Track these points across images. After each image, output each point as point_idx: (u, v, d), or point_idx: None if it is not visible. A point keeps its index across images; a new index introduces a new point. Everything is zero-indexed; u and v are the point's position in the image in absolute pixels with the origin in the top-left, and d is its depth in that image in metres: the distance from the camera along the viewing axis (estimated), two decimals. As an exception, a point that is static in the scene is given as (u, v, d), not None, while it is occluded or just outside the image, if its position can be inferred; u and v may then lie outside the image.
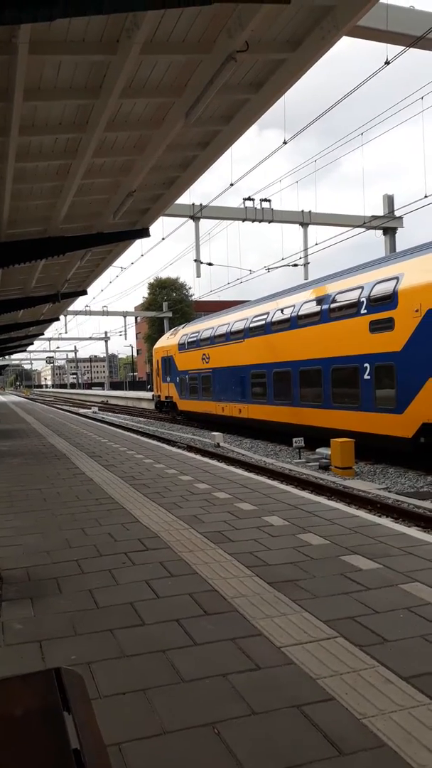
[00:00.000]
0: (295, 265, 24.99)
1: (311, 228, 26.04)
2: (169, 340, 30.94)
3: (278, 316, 18.27)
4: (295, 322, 17.15)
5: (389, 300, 12.98)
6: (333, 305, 15.36)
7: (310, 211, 26.31)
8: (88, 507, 7.12)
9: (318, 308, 16.04)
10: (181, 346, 27.63)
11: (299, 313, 16.96)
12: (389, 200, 26.20)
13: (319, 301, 16.12)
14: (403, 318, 12.49)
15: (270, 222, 25.05)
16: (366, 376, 13.69)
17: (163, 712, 2.68)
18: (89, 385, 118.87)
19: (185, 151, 10.17)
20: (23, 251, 12.82)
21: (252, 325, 20.07)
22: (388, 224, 26.14)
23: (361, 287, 14.20)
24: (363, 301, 13.91)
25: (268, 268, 24.36)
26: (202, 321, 27.58)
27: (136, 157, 9.95)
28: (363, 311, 13.88)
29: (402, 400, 12.49)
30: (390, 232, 26.96)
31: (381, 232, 26.93)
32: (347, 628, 3.49)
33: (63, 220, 12.28)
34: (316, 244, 22.42)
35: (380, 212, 26.01)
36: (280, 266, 24.39)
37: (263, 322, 19.22)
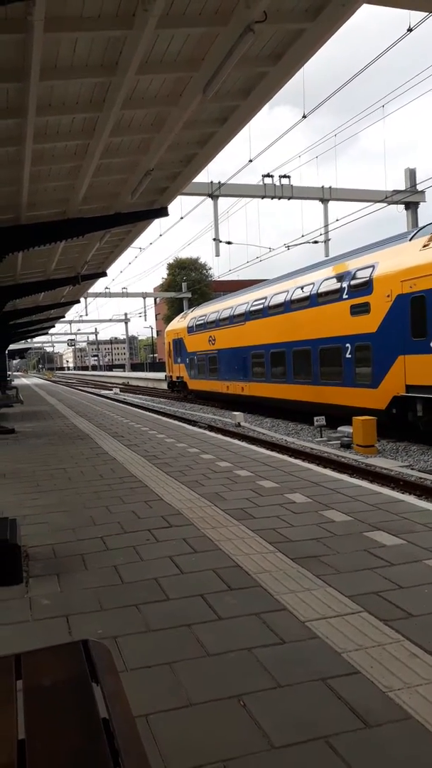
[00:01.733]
0: (316, 242, 24.70)
1: (332, 204, 25.67)
2: (179, 323, 32.66)
3: (274, 301, 19.87)
4: (288, 306, 18.74)
5: (366, 286, 14.62)
6: (320, 290, 16.88)
7: (330, 187, 25.93)
8: (112, 485, 7.19)
9: (307, 293, 17.55)
10: (190, 329, 29.47)
11: (292, 298, 18.56)
12: (411, 174, 25.68)
13: (309, 286, 17.59)
14: (377, 302, 14.11)
15: (289, 198, 24.74)
16: (348, 355, 15.39)
17: (189, 685, 2.71)
18: (110, 367, 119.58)
19: (203, 128, 10.04)
20: (43, 233, 12.86)
21: (252, 309, 21.74)
22: (410, 198, 25.64)
23: (342, 273, 15.96)
24: (345, 287, 15.58)
25: (288, 246, 24.10)
26: (208, 305, 29.53)
27: (153, 135, 9.86)
28: (345, 296, 15.56)
29: (377, 375, 14.14)
30: (412, 206, 26.47)
31: (403, 206, 26.44)
32: (372, 602, 3.49)
33: (81, 201, 12.25)
34: (337, 220, 22.09)
35: (402, 186, 25.52)
36: (300, 243, 24.13)
37: (261, 306, 20.88)
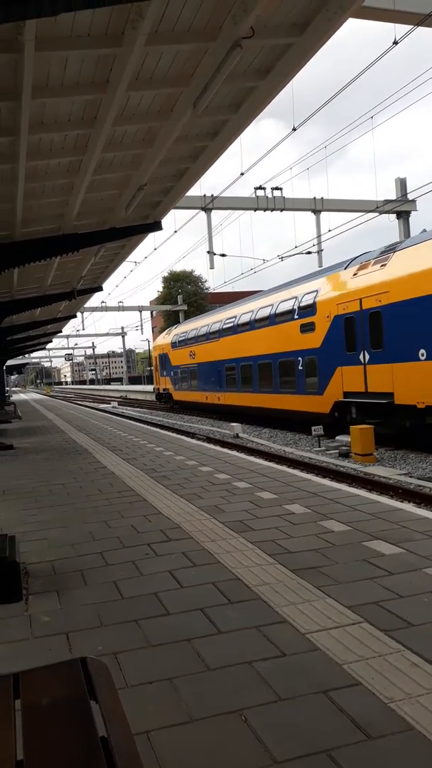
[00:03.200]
0: (309, 252, 24.83)
1: (324, 215, 25.83)
2: (164, 339, 35.68)
3: (242, 320, 22.53)
4: (253, 324, 21.39)
5: (311, 308, 17.08)
6: (278, 311, 19.36)
7: (322, 198, 26.10)
8: (111, 500, 7.18)
9: (268, 313, 20.10)
10: (174, 344, 32.23)
11: (256, 317, 21.20)
12: (402, 183, 25.86)
13: (268, 307, 20.16)
14: (320, 322, 16.55)
15: (282, 210, 24.90)
16: (300, 367, 17.79)
17: (190, 700, 2.70)
18: (108, 381, 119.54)
19: (194, 142, 10.12)
20: (38, 249, 12.91)
21: (224, 326, 24.40)
22: (401, 208, 25.81)
23: (294, 295, 18.37)
24: (296, 309, 18.06)
25: (282, 257, 24.22)
26: (189, 322, 32.81)
27: (145, 151, 9.93)
28: (296, 317, 18.00)
29: (322, 384, 16.52)
30: (404, 215, 26.64)
31: (395, 216, 26.61)
32: (371, 613, 3.48)
33: (76, 216, 12.32)
34: (329, 230, 22.26)
35: (392, 196, 25.69)
36: (294, 254, 24.26)
37: (232, 324, 23.53)
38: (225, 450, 11.51)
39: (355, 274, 15.27)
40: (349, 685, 2.75)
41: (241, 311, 22.94)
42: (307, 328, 17.19)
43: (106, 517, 6.34)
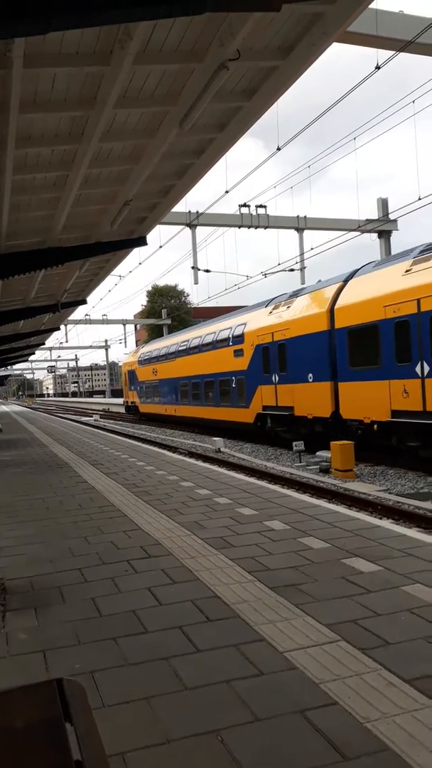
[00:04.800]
0: (292, 269, 25.04)
1: (306, 233, 26.12)
2: (132, 357, 39.74)
3: (193, 343, 26.27)
4: (201, 348, 25.13)
5: (241, 337, 20.73)
6: (218, 338, 23.20)
7: (305, 217, 26.38)
8: (91, 515, 7.13)
9: (211, 339, 23.92)
10: (140, 362, 36.17)
11: (203, 342, 24.96)
12: (383, 203, 26.25)
13: (212, 334, 24.03)
14: (246, 349, 20.18)
15: (266, 228, 25.12)
16: (233, 385, 21.42)
17: (167, 720, 2.69)
18: (90, 394, 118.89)
19: (180, 160, 10.21)
20: (23, 262, 12.88)
21: (179, 348, 28.12)
22: (382, 227, 26.18)
23: (229, 326, 22.30)
24: (228, 337, 21.98)
25: (265, 274, 24.41)
26: (153, 343, 37.05)
27: (131, 167, 9.99)
28: (230, 343, 21.68)
29: (248, 399, 20.01)
30: (385, 235, 27.01)
31: (376, 235, 26.98)
32: (349, 631, 3.50)
33: (61, 230, 12.32)
34: (312, 248, 22.52)
35: (373, 215, 26.07)
36: (277, 271, 24.47)
37: (186, 347, 27.24)
38: (207, 465, 11.50)
39: (270, 312, 19.05)
40: (325, 704, 2.76)
41: (193, 336, 26.88)
42: (238, 353, 20.94)
43: (85, 532, 6.30)
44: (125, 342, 63.48)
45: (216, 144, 9.56)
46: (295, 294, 18.09)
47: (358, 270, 15.57)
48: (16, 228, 11.90)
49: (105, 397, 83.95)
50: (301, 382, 16.63)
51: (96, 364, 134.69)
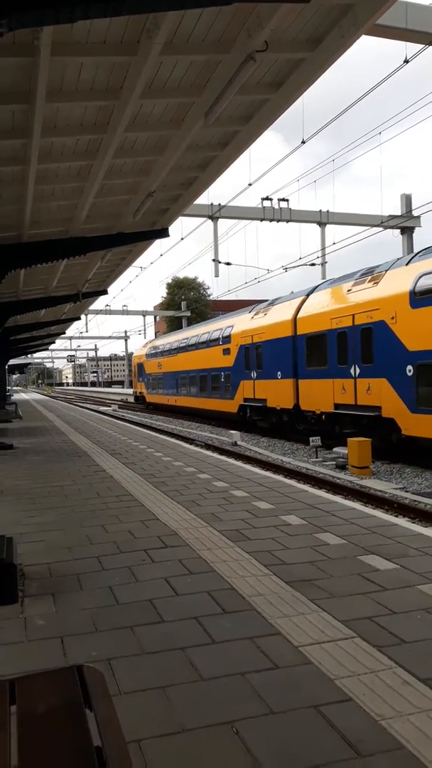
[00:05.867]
0: (313, 264, 24.89)
1: (329, 227, 25.91)
2: (141, 351, 43.20)
3: (192, 341, 29.37)
4: (198, 345, 28.17)
5: (228, 338, 23.72)
6: (211, 338, 26.24)
7: (328, 211, 26.17)
8: (108, 504, 7.19)
9: (206, 338, 26.97)
10: (147, 356, 39.51)
11: (200, 340, 27.95)
12: (407, 199, 25.94)
13: (206, 334, 27.21)
14: (232, 348, 23.21)
15: (288, 222, 24.97)
16: (222, 380, 24.39)
17: (183, 710, 2.71)
18: (109, 384, 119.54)
19: (204, 152, 10.20)
20: (45, 251, 12.97)
21: (181, 345, 31.35)
22: (406, 224, 25.89)
23: (220, 328, 25.38)
24: (219, 337, 25.02)
25: (286, 268, 24.30)
26: (159, 338, 40.56)
27: (156, 158, 10.00)
28: (220, 343, 24.72)
29: (233, 392, 23.12)
30: (408, 231, 26.71)
31: (399, 231, 26.68)
32: (365, 628, 3.50)
33: (84, 220, 12.39)
34: (334, 243, 22.40)
35: (397, 211, 25.77)
36: (298, 266, 24.34)
37: (186, 344, 30.41)
38: (223, 458, 11.52)
39: (252, 318, 21.93)
40: (340, 700, 2.76)
41: (192, 334, 30.31)
42: (226, 351, 23.84)
43: (103, 521, 6.36)
44: (144, 333, 63.67)
45: (240, 136, 9.52)
46: (272, 303, 21.05)
47: (318, 286, 18.40)
48: (40, 217, 11.98)
49: (123, 388, 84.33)
50: (272, 379, 19.65)
51: (115, 355, 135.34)
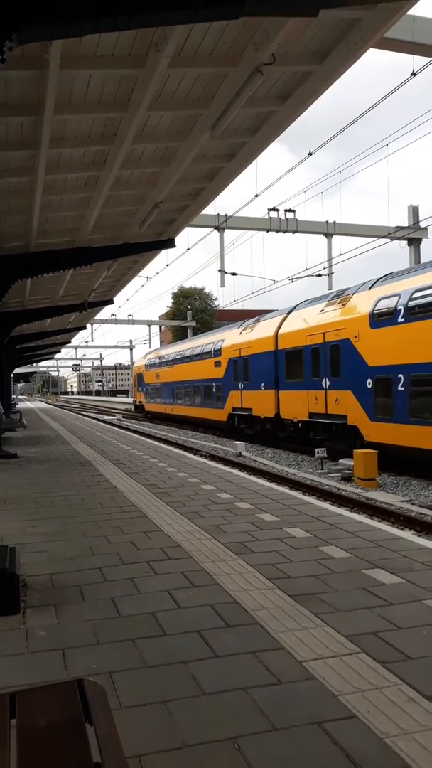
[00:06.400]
0: (319, 275, 24.92)
1: (335, 238, 25.96)
2: (140, 362, 45.87)
3: (186, 353, 31.49)
4: (192, 357, 30.12)
5: (219, 352, 25.69)
6: (204, 351, 28.28)
7: (334, 222, 26.23)
8: (112, 514, 7.17)
9: (199, 351, 29.00)
10: (146, 366, 41.78)
11: (194, 353, 29.93)
12: (414, 211, 25.98)
13: (200, 347, 29.30)
14: (222, 361, 25.06)
15: (294, 232, 25.03)
16: (214, 390, 26.23)
17: (184, 725, 2.68)
18: (114, 393, 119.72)
19: (211, 163, 10.26)
20: (52, 261, 13.04)
21: (176, 357, 33.53)
22: (413, 235, 25.92)
23: (212, 341, 27.44)
24: (211, 350, 26.96)
25: (292, 279, 24.33)
26: (158, 350, 42.85)
27: (162, 169, 10.06)
28: (212, 356, 26.61)
29: (223, 401, 24.95)
30: (415, 242, 26.73)
31: (406, 242, 26.71)
32: (369, 643, 3.46)
33: (91, 230, 12.45)
34: (340, 254, 22.43)
35: (404, 222, 25.80)
36: (304, 276, 24.38)
37: (181, 356, 32.53)
38: (227, 468, 11.48)
39: (240, 333, 23.86)
40: (344, 717, 2.72)
41: (187, 347, 32.28)
42: (217, 364, 25.61)
43: (106, 531, 6.33)
44: (150, 343, 63.76)
45: (247, 148, 9.58)
46: (257, 319, 22.98)
47: (297, 305, 19.95)
48: (47, 227, 12.05)
49: (128, 397, 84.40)
50: (257, 389, 21.38)
51: (120, 364, 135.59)
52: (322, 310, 17.28)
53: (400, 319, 13.37)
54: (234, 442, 19.91)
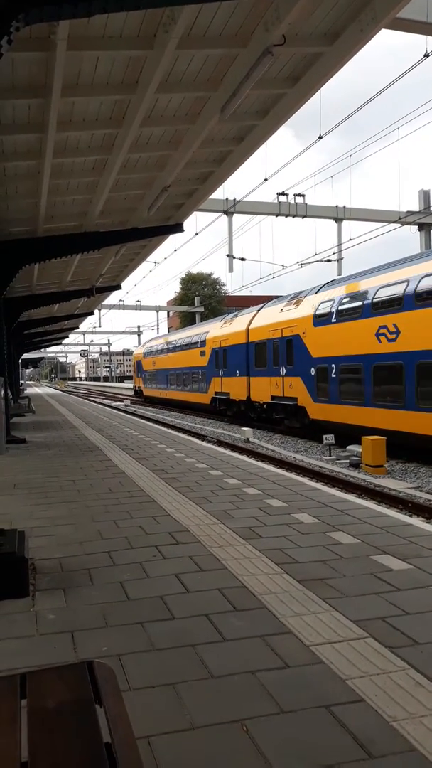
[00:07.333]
0: (329, 260, 24.76)
1: (345, 223, 25.75)
2: (140, 349, 49.62)
3: (178, 343, 34.75)
4: (182, 347, 33.40)
5: (204, 342, 28.75)
6: (192, 341, 31.40)
7: (344, 207, 26.00)
8: (120, 499, 7.20)
9: (189, 341, 32.17)
10: (144, 354, 45.37)
11: (184, 342, 33.22)
12: (425, 195, 25.69)
13: (188, 337, 32.59)
14: (207, 351, 28.21)
15: (304, 217, 24.84)
16: (199, 376, 29.52)
17: (192, 707, 2.70)
18: (122, 378, 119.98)
19: (220, 146, 10.15)
20: (60, 246, 12.99)
21: (169, 346, 37.03)
22: (424, 220, 25.66)
23: (199, 333, 30.71)
24: (198, 341, 30.14)
25: (301, 264, 24.19)
26: (155, 339, 46.05)
27: (171, 153, 9.97)
28: (198, 345, 29.91)
29: (207, 386, 28.17)
30: (426, 227, 26.47)
31: (416, 227, 26.45)
32: (377, 628, 3.46)
33: (99, 215, 12.39)
34: (350, 239, 22.20)
35: (415, 207, 25.53)
36: (313, 261, 24.21)
37: (173, 345, 35.93)
38: (235, 454, 11.50)
39: (221, 326, 27.00)
40: (352, 701, 2.74)
41: (178, 337, 35.77)
42: (203, 353, 28.84)
43: (115, 516, 6.37)
44: (158, 328, 63.75)
45: (256, 131, 9.47)
46: (235, 315, 26.39)
47: (266, 303, 23.25)
48: (54, 211, 12.00)
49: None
50: (234, 376, 24.75)
51: (128, 350, 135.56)
52: (282, 309, 20.41)
53: (333, 320, 16.67)
54: (242, 428, 19.93)
